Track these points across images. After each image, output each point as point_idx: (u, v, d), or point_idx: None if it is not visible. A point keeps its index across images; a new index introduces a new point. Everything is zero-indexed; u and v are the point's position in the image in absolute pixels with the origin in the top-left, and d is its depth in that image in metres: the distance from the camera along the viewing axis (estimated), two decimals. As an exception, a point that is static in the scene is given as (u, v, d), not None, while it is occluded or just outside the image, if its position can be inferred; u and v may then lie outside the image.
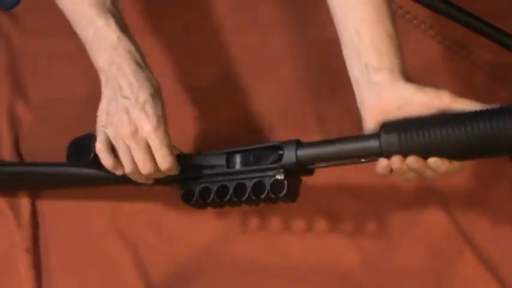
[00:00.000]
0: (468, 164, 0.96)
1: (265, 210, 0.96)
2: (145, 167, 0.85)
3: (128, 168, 0.86)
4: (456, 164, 0.76)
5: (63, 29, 1.12)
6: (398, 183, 0.97)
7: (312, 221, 0.96)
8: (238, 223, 0.97)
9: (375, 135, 0.78)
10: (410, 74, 0.80)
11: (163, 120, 0.85)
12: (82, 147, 0.87)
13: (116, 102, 0.86)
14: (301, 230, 0.96)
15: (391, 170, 0.78)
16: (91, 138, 0.87)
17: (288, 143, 0.84)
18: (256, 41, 1.10)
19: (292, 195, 0.85)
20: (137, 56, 0.88)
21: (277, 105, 1.05)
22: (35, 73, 1.10)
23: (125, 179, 0.89)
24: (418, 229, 0.95)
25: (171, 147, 0.86)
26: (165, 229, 0.98)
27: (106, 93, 0.87)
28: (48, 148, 0.90)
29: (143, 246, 0.96)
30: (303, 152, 0.83)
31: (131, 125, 0.84)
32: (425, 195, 0.97)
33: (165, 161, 0.85)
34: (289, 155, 0.83)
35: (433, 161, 0.75)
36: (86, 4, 0.88)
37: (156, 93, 0.86)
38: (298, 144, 0.84)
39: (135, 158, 0.85)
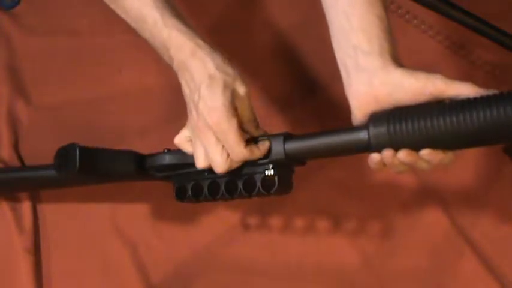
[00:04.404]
0: (468, 164, 0.97)
1: (265, 210, 0.96)
2: (216, 163, 0.81)
3: (199, 165, 0.83)
4: (450, 154, 0.72)
5: (64, 28, 1.13)
6: (399, 184, 0.97)
7: (312, 221, 0.96)
8: (238, 223, 0.97)
9: (363, 128, 0.75)
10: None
11: (224, 108, 0.79)
12: (67, 157, 0.85)
13: (185, 99, 0.83)
14: (301, 230, 0.96)
15: (384, 164, 0.75)
16: (74, 147, 0.85)
17: (276, 137, 0.82)
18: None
19: (285, 188, 0.83)
20: (191, 45, 0.82)
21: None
22: (35, 73, 1.10)
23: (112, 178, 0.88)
24: (418, 229, 0.95)
25: (239, 135, 0.80)
26: (165, 229, 0.98)
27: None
28: (48, 148, 0.89)
29: (143, 246, 0.96)
30: (291, 146, 0.80)
31: (194, 124, 0.81)
32: (425, 195, 0.97)
33: (234, 153, 0.80)
34: (277, 150, 0.81)
35: (426, 153, 0.72)
36: (135, 7, 0.85)
37: (213, 78, 0.80)
38: (286, 138, 0.81)
39: (207, 155, 0.81)
